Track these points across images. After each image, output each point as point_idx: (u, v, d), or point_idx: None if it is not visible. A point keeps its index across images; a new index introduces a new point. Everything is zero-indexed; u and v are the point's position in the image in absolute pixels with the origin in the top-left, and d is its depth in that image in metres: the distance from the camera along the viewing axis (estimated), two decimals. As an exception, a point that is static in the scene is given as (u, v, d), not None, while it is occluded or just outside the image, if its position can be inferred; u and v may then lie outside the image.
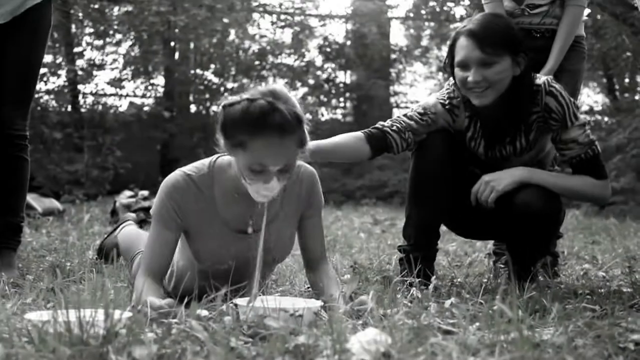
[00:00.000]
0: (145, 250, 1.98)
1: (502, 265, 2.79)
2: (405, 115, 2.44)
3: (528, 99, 2.30)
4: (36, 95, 2.86)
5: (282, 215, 2.03)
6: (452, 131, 2.44)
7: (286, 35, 9.81)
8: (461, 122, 2.43)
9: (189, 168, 2.00)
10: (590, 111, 9.60)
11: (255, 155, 1.79)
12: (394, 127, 2.41)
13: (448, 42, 2.35)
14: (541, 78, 2.33)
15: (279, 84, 1.92)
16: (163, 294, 1.89)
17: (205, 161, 2.01)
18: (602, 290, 2.29)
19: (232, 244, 1.99)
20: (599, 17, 8.34)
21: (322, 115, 9.74)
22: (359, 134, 2.42)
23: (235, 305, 1.68)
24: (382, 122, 2.46)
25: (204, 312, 1.60)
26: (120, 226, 3.08)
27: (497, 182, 2.29)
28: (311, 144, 2.19)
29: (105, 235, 3.12)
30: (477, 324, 1.60)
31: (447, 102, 2.41)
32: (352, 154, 2.46)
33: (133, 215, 3.39)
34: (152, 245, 1.96)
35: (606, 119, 9.56)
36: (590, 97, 9.91)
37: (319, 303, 1.75)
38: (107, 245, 2.94)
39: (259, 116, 1.76)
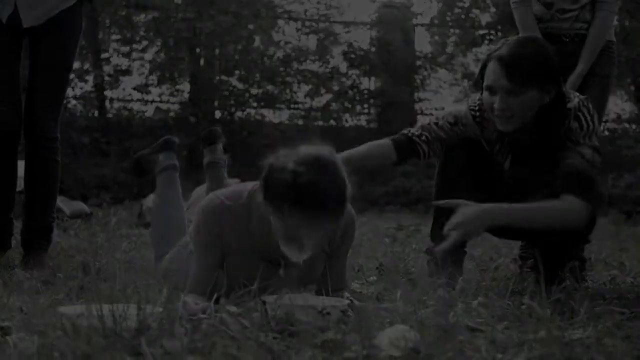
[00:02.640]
0: (194, 279, 1.92)
1: (529, 270, 2.78)
2: (436, 124, 2.42)
3: (557, 127, 2.26)
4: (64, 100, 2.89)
5: (315, 252, 1.93)
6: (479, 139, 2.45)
7: (311, 42, 9.85)
8: (489, 134, 2.41)
9: (226, 195, 1.94)
10: (618, 119, 9.49)
11: (291, 226, 1.75)
12: (423, 137, 2.41)
13: (480, 62, 2.31)
14: (574, 100, 2.27)
15: (328, 149, 1.81)
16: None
17: (244, 189, 1.95)
18: (630, 295, 2.27)
19: (263, 271, 1.93)
20: (627, 23, 8.27)
21: (347, 121, 9.71)
22: (386, 141, 2.44)
23: (264, 302, 1.70)
24: (411, 130, 2.45)
25: (233, 308, 1.62)
26: (162, 159, 2.90)
27: (463, 226, 2.16)
28: (342, 155, 2.20)
29: (145, 153, 2.98)
30: (505, 322, 1.60)
31: (477, 114, 2.39)
32: (381, 162, 2.53)
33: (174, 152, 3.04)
34: (200, 274, 1.92)
35: (634, 126, 9.45)
36: (618, 105, 9.79)
37: (346, 302, 1.76)
38: (145, 160, 2.88)
39: (302, 193, 1.70)
